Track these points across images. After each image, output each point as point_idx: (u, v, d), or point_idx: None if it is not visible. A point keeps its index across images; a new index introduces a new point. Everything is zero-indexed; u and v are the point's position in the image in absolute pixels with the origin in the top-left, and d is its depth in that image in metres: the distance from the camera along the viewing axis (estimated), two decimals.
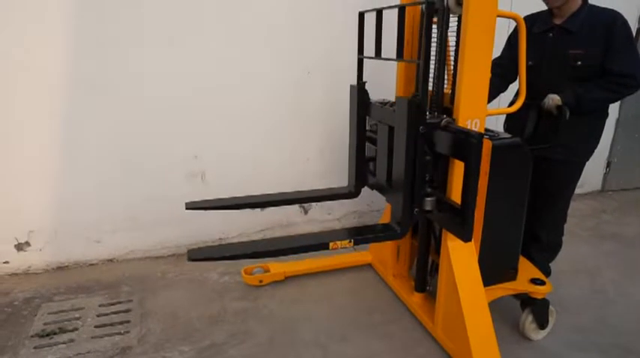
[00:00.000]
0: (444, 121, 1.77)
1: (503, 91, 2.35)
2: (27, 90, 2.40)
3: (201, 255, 1.68)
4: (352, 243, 1.77)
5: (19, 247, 2.61)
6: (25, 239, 2.61)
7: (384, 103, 2.03)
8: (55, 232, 2.65)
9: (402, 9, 1.78)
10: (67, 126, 2.51)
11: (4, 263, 2.60)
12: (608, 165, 4.17)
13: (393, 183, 1.93)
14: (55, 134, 2.50)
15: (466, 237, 1.69)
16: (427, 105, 1.78)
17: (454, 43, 1.89)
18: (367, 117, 2.20)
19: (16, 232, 2.59)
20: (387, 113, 1.93)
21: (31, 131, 2.46)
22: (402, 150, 1.75)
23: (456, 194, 1.78)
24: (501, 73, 2.25)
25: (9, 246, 2.59)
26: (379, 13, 1.95)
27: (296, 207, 3.22)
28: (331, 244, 1.71)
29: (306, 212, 3.27)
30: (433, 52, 1.89)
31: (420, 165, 1.77)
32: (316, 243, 1.75)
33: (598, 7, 2.07)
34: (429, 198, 1.84)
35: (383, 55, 2.01)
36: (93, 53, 2.45)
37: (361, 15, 2.07)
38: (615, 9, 2.04)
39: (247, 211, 3.06)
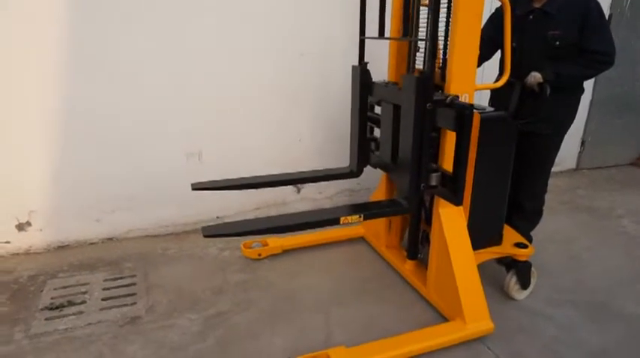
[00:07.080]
0: (449, 99, 1.81)
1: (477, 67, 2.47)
2: (27, 70, 2.43)
3: (216, 231, 1.70)
4: (362, 218, 1.86)
5: (20, 227, 2.65)
6: (26, 219, 2.65)
7: (385, 83, 2.08)
8: (56, 212, 2.69)
9: None
10: (66, 107, 2.55)
11: (6, 243, 2.64)
12: (583, 144, 4.40)
13: (399, 160, 1.95)
14: (54, 115, 2.54)
15: (457, 201, 1.84)
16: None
17: (444, 23, 2.02)
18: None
19: (17, 212, 2.62)
20: (392, 92, 1.96)
21: (30, 112, 2.49)
22: (410, 127, 1.77)
23: (447, 163, 1.92)
24: None
25: (10, 226, 2.63)
26: None
27: (290, 186, 3.33)
28: (342, 219, 1.80)
29: (298, 191, 3.37)
30: (423, 32, 1.98)
31: (427, 141, 1.81)
32: (329, 218, 1.82)
33: None
34: (434, 174, 1.90)
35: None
36: (92, 36, 2.49)
37: None
38: None
39: (243, 190, 3.15)
